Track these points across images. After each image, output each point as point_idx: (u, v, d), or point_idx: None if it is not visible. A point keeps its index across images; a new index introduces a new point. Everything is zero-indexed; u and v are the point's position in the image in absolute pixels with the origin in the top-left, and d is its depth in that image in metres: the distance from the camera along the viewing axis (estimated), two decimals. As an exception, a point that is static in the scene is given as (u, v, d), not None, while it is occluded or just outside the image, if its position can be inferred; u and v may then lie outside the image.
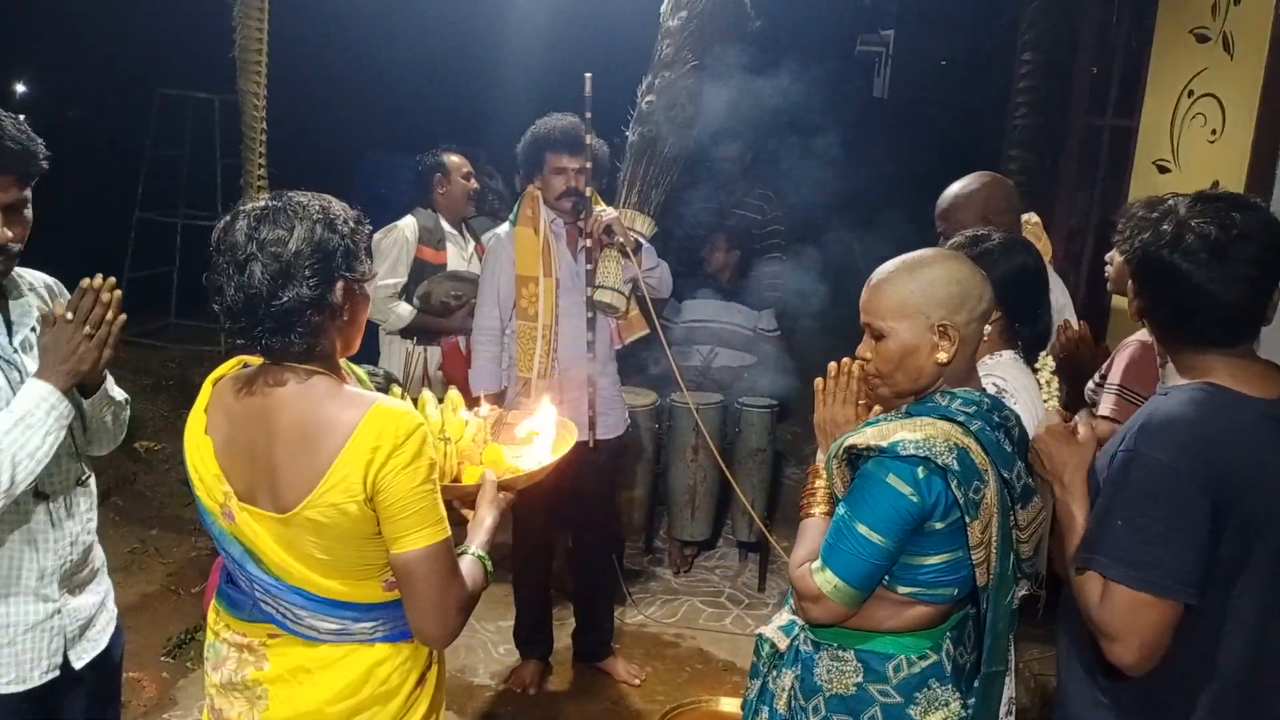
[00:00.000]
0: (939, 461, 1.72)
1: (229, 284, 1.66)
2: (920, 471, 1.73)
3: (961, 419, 1.80)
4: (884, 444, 1.77)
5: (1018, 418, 1.93)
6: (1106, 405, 2.57)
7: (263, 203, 1.71)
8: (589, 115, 3.48)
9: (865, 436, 1.82)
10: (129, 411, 2.32)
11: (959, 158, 3.94)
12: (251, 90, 4.33)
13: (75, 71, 7.87)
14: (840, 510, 1.83)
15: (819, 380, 2.08)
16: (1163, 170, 3.64)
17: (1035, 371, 2.41)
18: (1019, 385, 2.30)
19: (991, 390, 2.22)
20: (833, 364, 2.07)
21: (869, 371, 1.94)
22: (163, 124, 8.18)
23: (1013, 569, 1.87)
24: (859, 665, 1.86)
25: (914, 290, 1.85)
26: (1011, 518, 1.86)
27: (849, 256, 4.94)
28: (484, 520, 1.93)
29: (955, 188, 3.05)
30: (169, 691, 3.68)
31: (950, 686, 1.85)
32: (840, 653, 1.88)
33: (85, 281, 2.01)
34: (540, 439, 2.20)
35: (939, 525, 1.76)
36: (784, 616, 2.06)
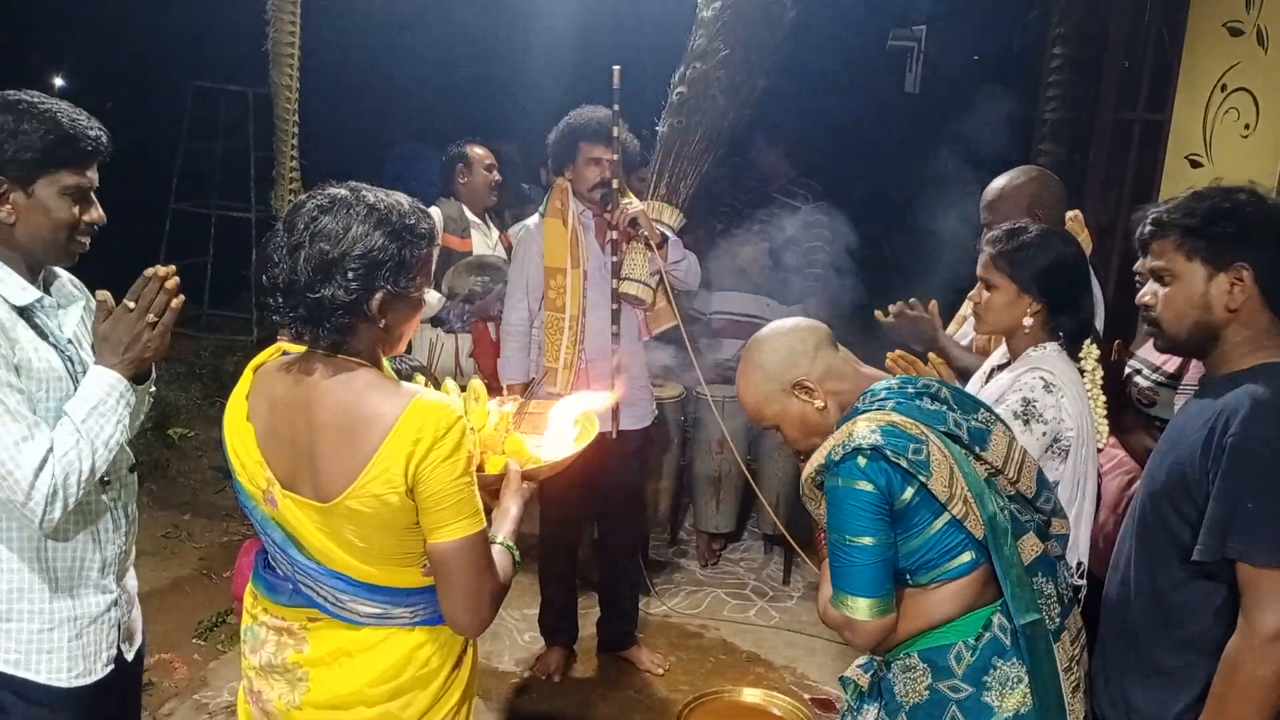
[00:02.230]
0: (867, 444, 1.79)
1: (283, 262, 1.68)
2: (861, 461, 1.79)
3: (875, 407, 1.88)
4: (823, 460, 1.86)
5: (938, 382, 1.99)
6: None
7: (338, 192, 1.71)
8: (617, 108, 3.49)
9: (810, 465, 1.92)
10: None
11: (990, 153, 3.92)
12: (284, 83, 4.39)
13: (111, 64, 7.97)
14: (829, 535, 1.87)
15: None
16: (1195, 165, 3.60)
17: (1079, 360, 2.43)
18: (1066, 379, 2.33)
19: (1039, 385, 2.29)
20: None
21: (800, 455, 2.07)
22: (197, 116, 8.28)
23: (1007, 513, 1.88)
24: (925, 667, 1.87)
25: (756, 383, 2.01)
26: (977, 463, 1.89)
27: (879, 250, 4.94)
28: (509, 510, 1.95)
29: (1002, 180, 3.04)
30: (199, 672, 3.75)
31: (1014, 660, 1.84)
32: (908, 660, 1.89)
33: (150, 270, 2.03)
34: (577, 421, 2.22)
35: (908, 497, 1.80)
36: (863, 655, 2.07)
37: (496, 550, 1.85)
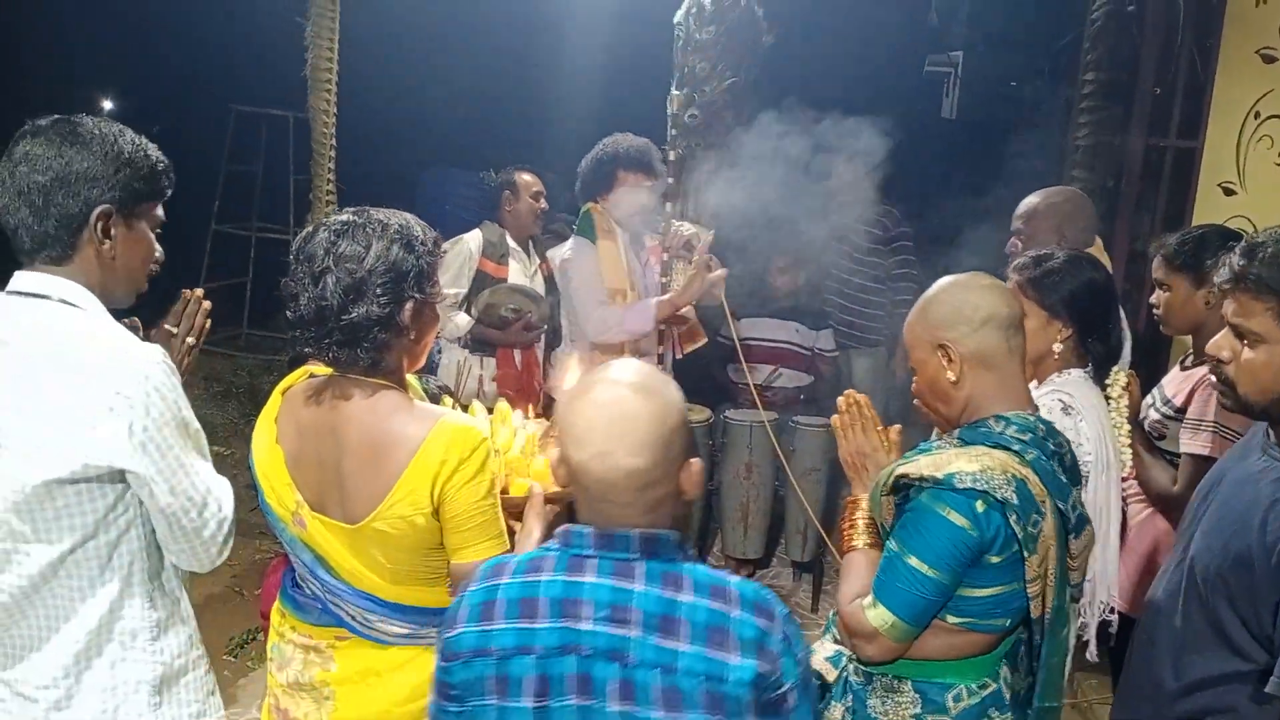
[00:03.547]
0: (998, 495, 1.68)
1: (304, 293, 1.71)
2: (979, 505, 1.68)
3: (1017, 447, 1.77)
4: (939, 475, 1.72)
5: (1069, 444, 1.89)
6: (1199, 442, 2.42)
7: (345, 217, 1.76)
8: (674, 133, 3.53)
9: (919, 466, 1.77)
10: None
11: (1024, 179, 3.91)
12: (321, 108, 4.47)
13: (157, 89, 8.15)
14: (891, 544, 1.78)
15: (834, 418, 2.09)
16: (1229, 193, 3.58)
17: (1105, 387, 2.39)
18: (1086, 403, 2.27)
19: (1057, 406, 2.22)
20: (841, 399, 2.09)
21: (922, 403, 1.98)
22: (238, 139, 8.44)
23: (1068, 600, 1.83)
24: (916, 696, 1.82)
25: (916, 321, 1.91)
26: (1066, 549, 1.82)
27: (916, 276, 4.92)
28: (532, 532, 1.95)
29: (1038, 197, 3.09)
30: (229, 689, 3.77)
31: (1010, 715, 1.81)
32: (896, 683, 1.84)
33: (186, 293, 2.00)
34: None
35: (995, 559, 1.71)
36: (829, 647, 2.00)
37: (517, 572, 1.87)
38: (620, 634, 1.39)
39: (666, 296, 3.37)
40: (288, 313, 1.75)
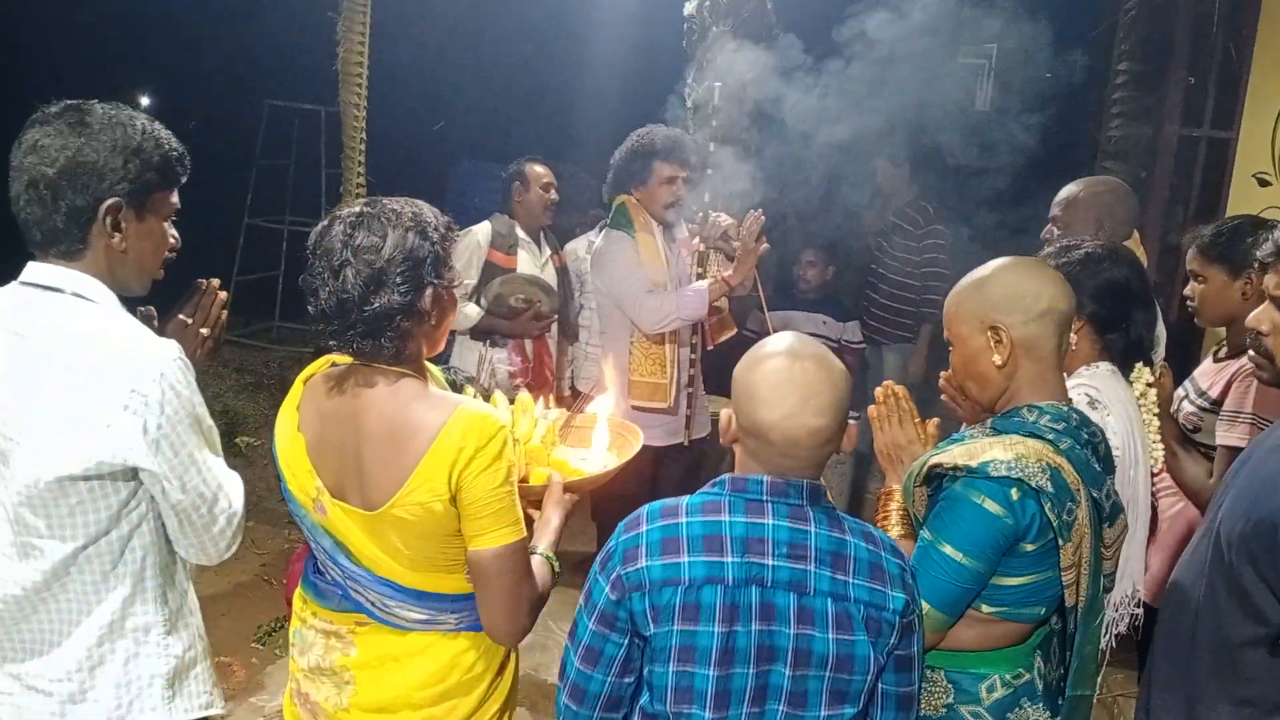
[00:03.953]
0: (1033, 483, 1.68)
1: (323, 287, 1.72)
2: (1014, 493, 1.69)
3: (1051, 436, 1.76)
4: (973, 464, 1.72)
5: (1103, 433, 1.88)
6: (1236, 434, 2.40)
7: (358, 209, 1.76)
8: (715, 123, 3.52)
9: (952, 455, 1.77)
10: None
11: (1057, 170, 3.88)
12: (352, 102, 4.51)
13: (191, 85, 8.23)
14: (925, 533, 1.78)
15: (871, 408, 2.09)
16: (1263, 184, 3.53)
17: (1131, 384, 2.37)
18: (1112, 396, 2.25)
19: (1084, 401, 2.20)
20: (878, 390, 2.08)
21: (951, 386, 1.97)
22: (271, 134, 8.50)
23: (1101, 589, 1.83)
24: (950, 686, 1.82)
25: (969, 297, 1.86)
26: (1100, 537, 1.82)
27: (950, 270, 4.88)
28: (551, 521, 1.98)
29: (1079, 185, 3.05)
30: (257, 676, 3.81)
31: (1041, 705, 1.81)
32: (929, 673, 1.83)
33: (202, 283, 1.97)
34: (598, 445, 2.24)
35: (1030, 547, 1.72)
36: None
37: (536, 560, 1.88)
38: (800, 568, 1.58)
39: (711, 279, 3.36)
40: (309, 307, 1.76)
